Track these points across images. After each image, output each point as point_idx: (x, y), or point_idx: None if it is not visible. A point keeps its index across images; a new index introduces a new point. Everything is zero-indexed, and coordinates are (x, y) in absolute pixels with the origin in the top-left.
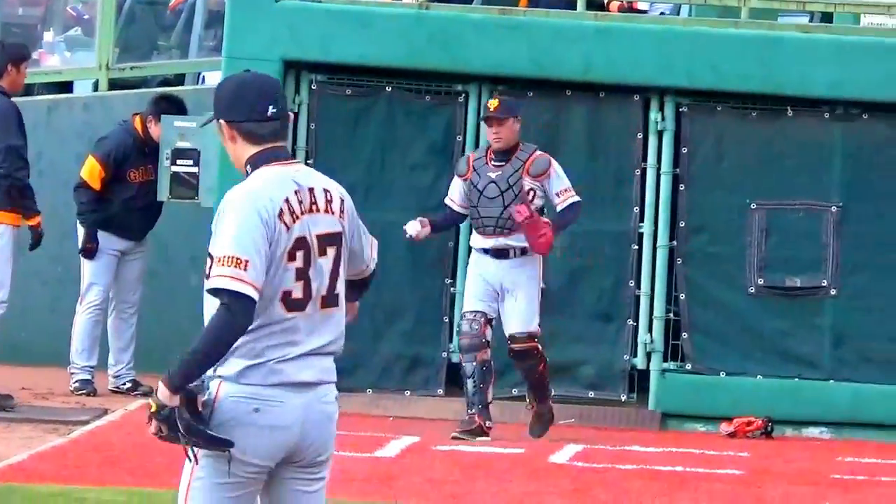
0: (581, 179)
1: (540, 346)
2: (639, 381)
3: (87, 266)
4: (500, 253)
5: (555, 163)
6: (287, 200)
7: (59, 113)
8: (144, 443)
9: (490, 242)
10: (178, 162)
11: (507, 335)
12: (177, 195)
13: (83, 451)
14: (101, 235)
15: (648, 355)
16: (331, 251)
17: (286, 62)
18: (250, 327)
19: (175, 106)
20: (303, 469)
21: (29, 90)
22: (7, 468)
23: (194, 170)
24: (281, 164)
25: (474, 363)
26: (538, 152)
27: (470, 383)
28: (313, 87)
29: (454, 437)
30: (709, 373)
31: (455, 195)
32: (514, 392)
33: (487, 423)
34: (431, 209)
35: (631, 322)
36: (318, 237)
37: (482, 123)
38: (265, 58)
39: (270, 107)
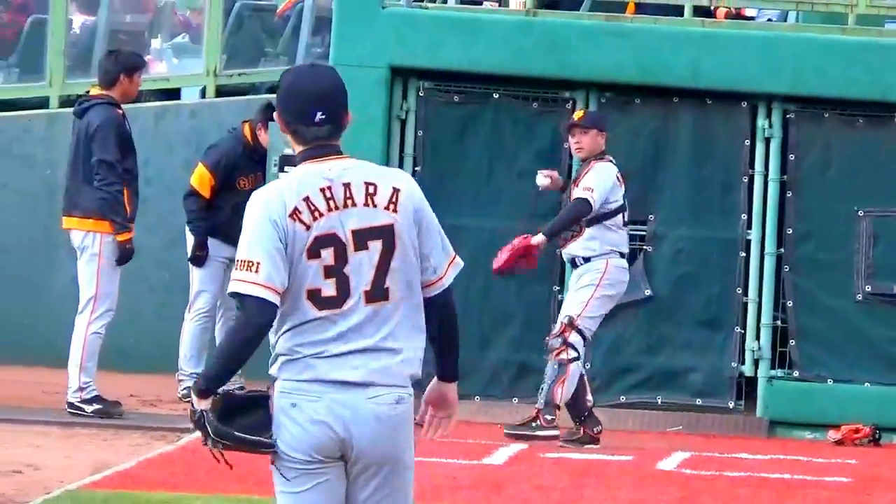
0: (688, 186)
1: (571, 339)
2: (746, 389)
3: (196, 273)
4: (571, 262)
5: (599, 165)
6: (308, 199)
7: (166, 120)
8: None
9: (565, 253)
10: (286, 168)
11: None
12: None
13: (191, 458)
14: (211, 242)
15: (756, 362)
16: (374, 244)
17: (393, 68)
18: (286, 326)
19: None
20: (365, 473)
21: (136, 97)
22: (116, 475)
23: None
24: (317, 162)
25: (582, 370)
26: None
27: (570, 389)
28: (420, 94)
29: (561, 446)
30: (816, 380)
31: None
32: (622, 399)
33: (596, 428)
34: (539, 217)
35: (738, 329)
36: (354, 232)
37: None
38: (372, 64)
39: (319, 113)
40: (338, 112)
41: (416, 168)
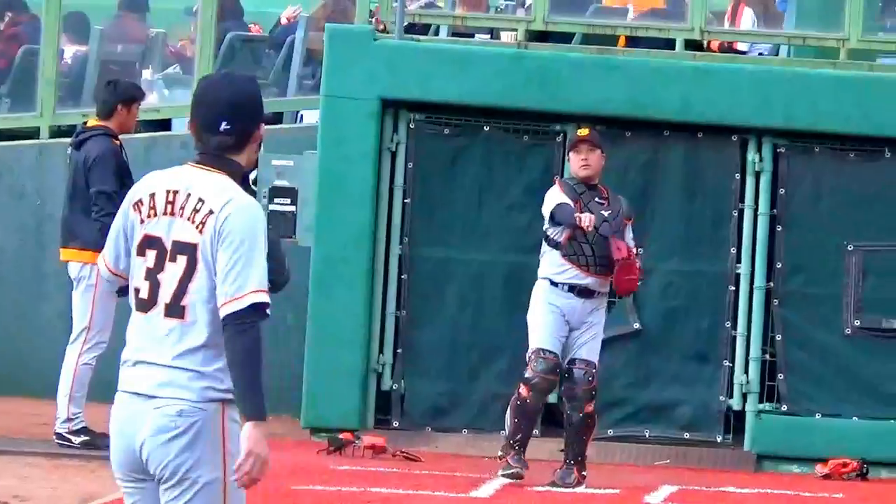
0: (679, 219)
1: (595, 380)
2: (735, 422)
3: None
4: (587, 292)
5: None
6: (153, 195)
7: (157, 151)
8: None
9: (589, 281)
10: (276, 200)
11: (570, 360)
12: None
13: None
14: None
15: (744, 396)
16: (181, 259)
17: (384, 101)
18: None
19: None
20: (162, 487)
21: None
22: None
23: (292, 208)
24: (192, 166)
25: (542, 404)
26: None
27: (529, 422)
28: (411, 126)
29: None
30: (804, 414)
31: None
32: (610, 433)
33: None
34: (529, 250)
35: (727, 363)
36: (174, 242)
37: (569, 154)
38: (363, 96)
39: (224, 123)
40: (244, 124)
41: (406, 200)
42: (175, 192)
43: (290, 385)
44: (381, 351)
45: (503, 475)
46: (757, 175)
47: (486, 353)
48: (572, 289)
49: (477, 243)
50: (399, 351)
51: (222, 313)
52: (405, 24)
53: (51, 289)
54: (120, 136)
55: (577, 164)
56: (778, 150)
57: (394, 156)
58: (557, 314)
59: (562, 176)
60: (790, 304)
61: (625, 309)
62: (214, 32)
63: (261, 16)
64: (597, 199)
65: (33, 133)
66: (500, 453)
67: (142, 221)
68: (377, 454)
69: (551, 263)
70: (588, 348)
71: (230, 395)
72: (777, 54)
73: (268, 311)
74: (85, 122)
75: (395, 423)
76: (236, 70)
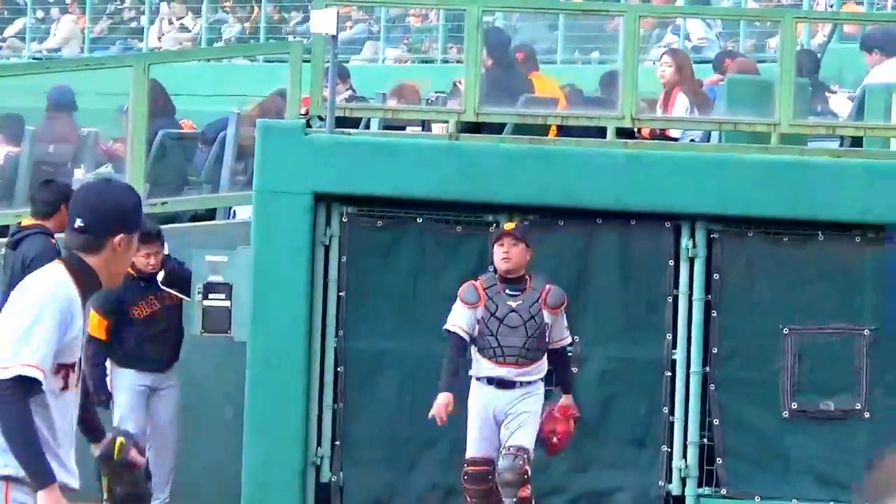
0: (613, 307)
1: (527, 464)
2: None
3: (119, 408)
4: (507, 384)
5: (566, 298)
6: None
7: None
8: None
9: (503, 371)
10: (210, 296)
11: (502, 446)
12: (209, 329)
13: None
14: (125, 374)
15: (683, 481)
16: None
17: (317, 195)
18: None
19: (147, 234)
20: None
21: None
22: None
23: (226, 304)
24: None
25: (514, 499)
26: (551, 284)
27: None
28: (344, 220)
29: None
30: (744, 497)
31: (465, 323)
32: None
33: None
34: None
35: (665, 448)
36: None
37: (493, 246)
38: (296, 191)
39: (78, 220)
40: (99, 226)
41: (341, 293)
42: None
43: (231, 480)
44: (318, 444)
45: None
46: (691, 261)
47: (424, 443)
48: (490, 381)
49: (412, 334)
50: (337, 443)
51: None
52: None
53: None
54: (56, 236)
55: (499, 256)
56: (711, 236)
57: (327, 249)
58: (482, 413)
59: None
60: (727, 388)
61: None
62: (146, 130)
63: (192, 113)
64: (507, 291)
65: None
66: None
67: None
68: None
69: (473, 359)
70: (519, 434)
71: (11, 473)
72: (709, 140)
73: (39, 387)
74: (20, 223)
75: None
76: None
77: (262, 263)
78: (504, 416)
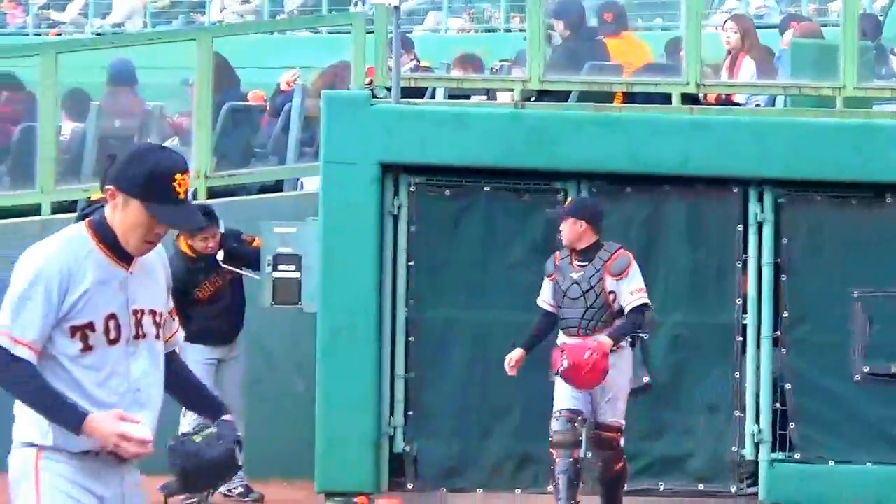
0: (683, 273)
1: (622, 442)
2: (748, 472)
3: None
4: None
5: (634, 262)
6: None
7: None
8: None
9: (574, 343)
10: (280, 268)
11: (595, 423)
12: (279, 301)
13: None
14: (193, 349)
15: (756, 446)
16: None
17: (383, 165)
18: None
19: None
20: None
21: None
22: None
23: (296, 275)
24: None
25: (569, 460)
26: (622, 251)
27: (563, 480)
28: (412, 189)
29: None
30: (817, 461)
31: (547, 296)
32: (626, 487)
33: None
34: (532, 308)
35: (738, 413)
36: None
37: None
38: (363, 161)
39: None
40: (104, 174)
41: (410, 263)
42: None
43: (304, 451)
44: (391, 414)
45: None
46: (759, 225)
47: (496, 412)
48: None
49: (481, 303)
50: (410, 413)
51: None
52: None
53: None
54: None
55: (559, 234)
56: (779, 200)
57: (396, 219)
58: None
59: None
60: (798, 353)
61: (636, 365)
62: (211, 103)
63: (257, 85)
64: (576, 262)
65: (34, 210)
66: None
67: None
68: None
69: (560, 329)
70: (610, 409)
71: (40, 442)
72: (774, 105)
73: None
74: (89, 198)
75: (409, 486)
76: (227, 139)
77: (331, 234)
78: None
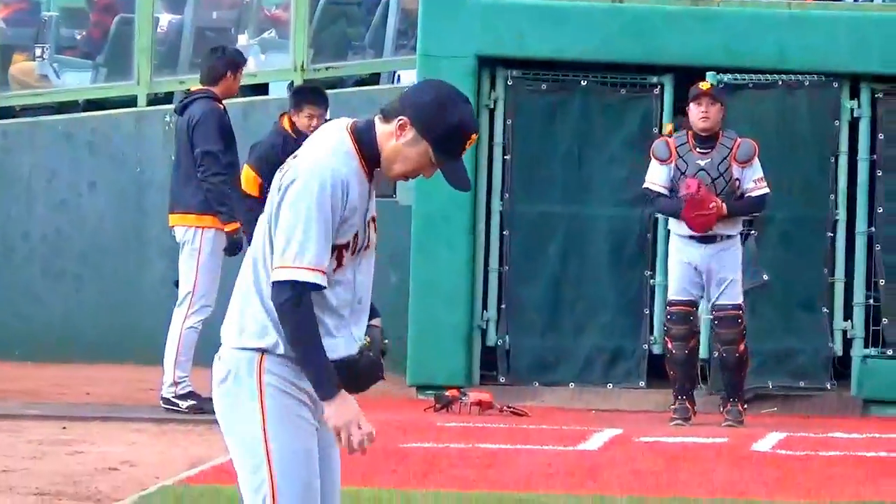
0: (778, 167)
1: (744, 321)
2: (840, 368)
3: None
4: (706, 239)
5: (757, 149)
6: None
7: (254, 115)
8: None
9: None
10: None
11: (711, 306)
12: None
13: None
14: None
15: (849, 342)
16: (266, 208)
17: (480, 58)
18: None
19: (314, 94)
20: None
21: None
22: (211, 470)
23: None
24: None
25: (686, 351)
26: (744, 138)
27: (681, 371)
28: (509, 83)
29: (676, 425)
30: None
31: (661, 179)
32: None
33: (695, 408)
34: (629, 203)
35: (826, 310)
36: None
37: (689, 105)
38: (459, 54)
39: None
40: (401, 100)
41: (506, 156)
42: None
43: (396, 344)
44: (484, 307)
45: (671, 425)
46: (855, 121)
47: (589, 307)
48: (691, 237)
49: (577, 197)
50: (503, 307)
51: (272, 277)
52: None
53: (153, 255)
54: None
55: (697, 115)
56: (876, 96)
57: (492, 113)
58: (685, 264)
59: (659, 127)
60: (892, 249)
61: (751, 262)
62: None
63: None
64: (699, 149)
65: (130, 101)
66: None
67: None
68: (484, 410)
69: (672, 218)
70: (728, 293)
71: (269, 347)
72: (873, 0)
73: (312, 289)
74: (188, 89)
75: (501, 379)
76: (324, 32)
77: None
78: (706, 269)
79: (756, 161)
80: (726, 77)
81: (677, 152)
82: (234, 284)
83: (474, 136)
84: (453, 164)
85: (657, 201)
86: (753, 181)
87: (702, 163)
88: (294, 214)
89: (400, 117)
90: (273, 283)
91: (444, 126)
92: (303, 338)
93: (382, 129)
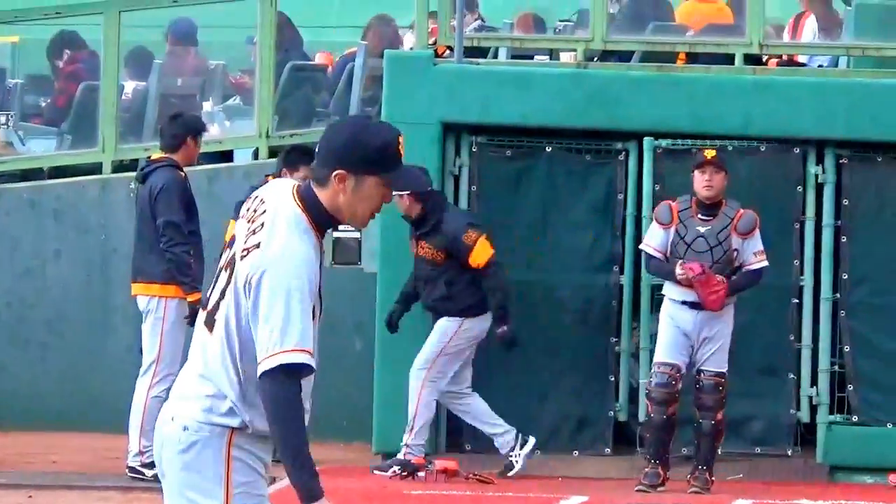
0: None
1: (725, 389)
2: (805, 435)
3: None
4: (698, 304)
5: (758, 222)
6: (254, 198)
7: (219, 182)
8: None
9: (692, 296)
10: (340, 227)
11: (696, 370)
12: (340, 261)
13: None
14: None
15: (814, 408)
16: (226, 274)
17: (445, 125)
18: None
19: (306, 155)
20: None
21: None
22: None
23: (356, 235)
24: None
25: (664, 416)
26: (746, 210)
27: (657, 435)
28: (473, 149)
29: (639, 490)
30: (875, 424)
31: (657, 243)
32: (683, 451)
33: (667, 474)
34: (593, 269)
35: (793, 376)
36: (232, 254)
37: (694, 173)
38: (424, 121)
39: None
40: (322, 158)
41: None
42: (262, 202)
43: (361, 412)
44: None
45: (636, 490)
46: (819, 186)
47: (556, 374)
48: (685, 303)
49: (542, 264)
50: None
51: (258, 371)
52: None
53: (118, 323)
54: (185, 169)
55: (701, 184)
56: (840, 161)
57: (457, 179)
58: (675, 328)
59: (625, 194)
60: (857, 315)
61: None
62: (274, 62)
63: (318, 45)
64: (700, 215)
65: (96, 168)
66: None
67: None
68: (450, 478)
69: (667, 282)
70: (714, 359)
71: (238, 426)
72: (837, 66)
73: (304, 371)
74: (149, 157)
75: (467, 447)
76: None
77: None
78: (697, 335)
79: (757, 233)
80: (664, 143)
81: (679, 217)
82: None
83: (400, 137)
84: (400, 173)
85: (650, 263)
86: (754, 254)
87: (702, 229)
88: (273, 305)
89: (334, 173)
90: (262, 375)
91: (374, 151)
92: (287, 433)
93: (325, 193)
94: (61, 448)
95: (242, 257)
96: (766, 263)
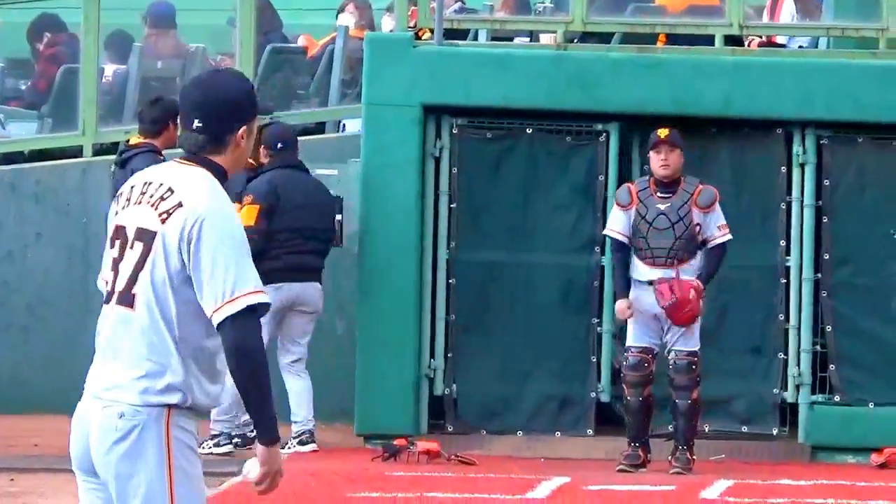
0: (727, 215)
1: (699, 368)
2: (788, 415)
3: None
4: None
5: (718, 196)
6: (132, 188)
7: None
8: (297, 491)
9: (658, 273)
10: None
11: (667, 351)
12: None
13: (234, 503)
14: None
15: (797, 388)
16: (138, 246)
17: (426, 107)
18: None
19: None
20: (108, 489)
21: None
22: None
23: (338, 217)
24: (174, 161)
25: (640, 398)
26: (705, 185)
27: (635, 418)
28: (454, 131)
29: (620, 470)
30: (857, 404)
31: (620, 226)
32: (670, 428)
33: (648, 455)
34: (575, 250)
35: (781, 356)
36: (136, 229)
37: (650, 153)
38: (405, 103)
39: (196, 120)
40: (219, 124)
41: (452, 205)
42: (149, 183)
43: (343, 393)
44: (432, 356)
45: (617, 470)
46: (801, 167)
47: (538, 355)
48: (649, 283)
49: (523, 245)
50: (450, 355)
51: (215, 320)
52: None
53: (100, 306)
54: (165, 153)
55: (657, 163)
56: (821, 142)
57: (437, 161)
58: (643, 311)
59: (605, 175)
60: (839, 295)
61: None
62: (254, 44)
63: (298, 27)
64: (659, 193)
65: (76, 152)
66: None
67: (116, 213)
68: (432, 459)
69: (631, 262)
70: (685, 338)
71: (178, 402)
72: (816, 47)
73: (263, 311)
74: (128, 141)
75: (449, 428)
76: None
77: (372, 176)
78: (665, 317)
79: (717, 207)
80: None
81: (638, 197)
82: None
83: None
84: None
85: (615, 257)
86: (718, 227)
87: (662, 206)
88: (220, 251)
89: (235, 128)
90: (226, 320)
91: (252, 94)
92: (261, 375)
93: (223, 156)
94: (43, 431)
95: (163, 220)
96: (730, 237)
